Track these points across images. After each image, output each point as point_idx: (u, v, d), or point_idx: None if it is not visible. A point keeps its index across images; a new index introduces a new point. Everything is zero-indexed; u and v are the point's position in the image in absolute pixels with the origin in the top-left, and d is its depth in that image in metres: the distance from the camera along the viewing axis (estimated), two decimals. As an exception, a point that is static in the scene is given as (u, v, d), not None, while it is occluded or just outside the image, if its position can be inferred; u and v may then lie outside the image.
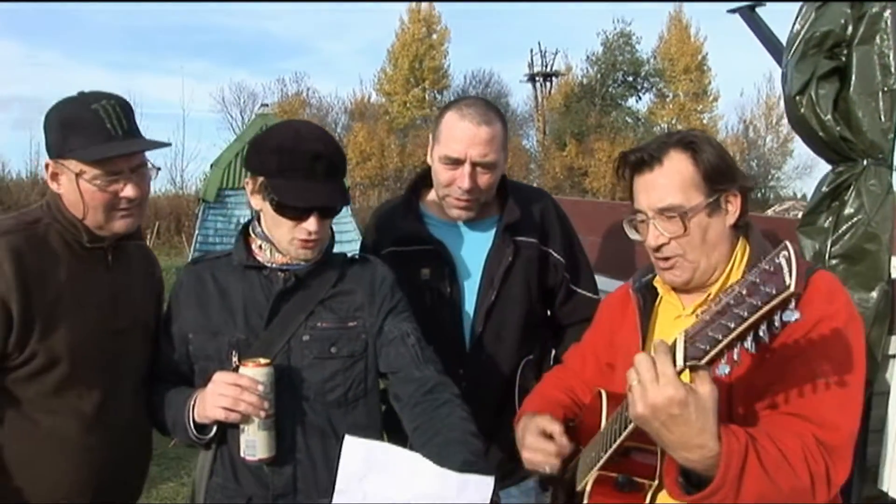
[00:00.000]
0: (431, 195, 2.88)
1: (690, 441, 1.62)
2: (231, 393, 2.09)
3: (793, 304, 1.39)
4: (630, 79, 43.31)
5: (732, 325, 1.46)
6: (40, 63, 66.30)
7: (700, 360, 1.54)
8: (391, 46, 43.33)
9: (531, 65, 45.83)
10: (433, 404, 2.19)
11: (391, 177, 37.59)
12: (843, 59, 2.59)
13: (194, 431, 2.19)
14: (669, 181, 1.97)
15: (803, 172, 41.47)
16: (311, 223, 2.19)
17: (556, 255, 2.86)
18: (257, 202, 2.27)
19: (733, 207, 1.99)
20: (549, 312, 2.99)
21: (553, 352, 3.02)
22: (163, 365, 2.36)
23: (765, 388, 1.82)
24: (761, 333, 1.43)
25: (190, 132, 45.11)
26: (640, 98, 44.61)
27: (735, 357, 1.50)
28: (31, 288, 2.08)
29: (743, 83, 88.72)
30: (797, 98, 2.58)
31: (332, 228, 2.35)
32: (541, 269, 2.84)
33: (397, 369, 2.29)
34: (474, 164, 2.61)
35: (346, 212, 18.13)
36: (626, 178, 2.09)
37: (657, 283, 2.14)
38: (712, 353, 1.51)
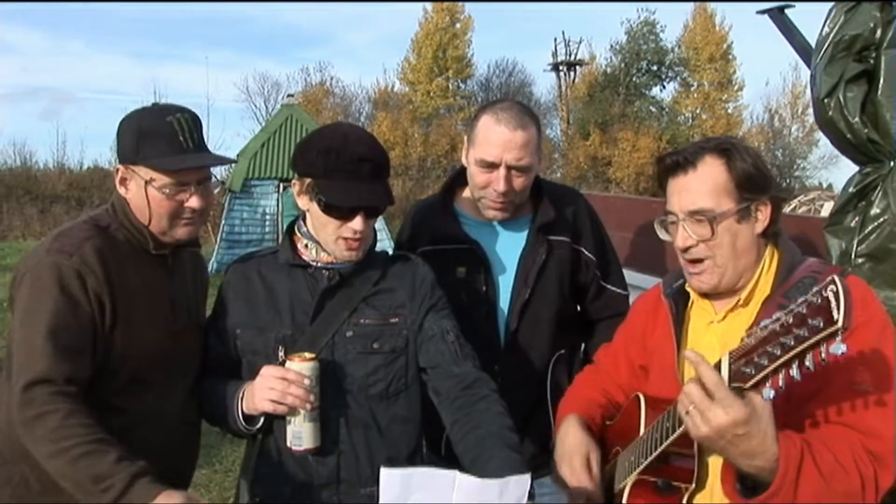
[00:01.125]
0: (466, 194, 2.95)
1: (754, 450, 1.70)
2: (279, 386, 2.18)
3: (839, 338, 1.46)
4: (654, 68, 43.11)
5: (779, 353, 1.53)
6: (66, 53, 66.99)
7: (745, 384, 1.62)
8: (415, 36, 43.36)
9: (555, 54, 45.66)
10: (471, 399, 2.27)
11: (415, 166, 37.64)
12: (871, 62, 2.64)
13: (243, 423, 2.29)
14: (702, 185, 2.02)
15: (829, 162, 41.06)
16: (356, 223, 2.28)
17: (587, 253, 2.93)
18: (304, 203, 2.36)
19: (763, 216, 2.04)
20: (578, 308, 3.07)
21: (583, 347, 3.10)
22: (212, 359, 2.46)
23: (806, 398, 1.87)
24: (807, 363, 1.51)
25: (214, 122, 45.52)
26: (664, 87, 44.40)
27: (780, 383, 1.57)
28: (114, 289, 2.20)
29: (769, 72, 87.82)
30: (825, 101, 2.65)
31: (374, 228, 2.43)
32: (573, 266, 2.92)
33: (437, 365, 2.38)
34: (509, 168, 2.68)
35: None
36: (661, 179, 2.16)
37: (688, 287, 2.21)
38: (758, 377, 1.59)
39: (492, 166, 2.69)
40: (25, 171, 29.76)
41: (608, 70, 43.66)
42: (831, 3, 2.82)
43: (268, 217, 18.24)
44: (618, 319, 2.91)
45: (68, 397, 2.02)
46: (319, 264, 2.39)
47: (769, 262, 2.09)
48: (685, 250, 2.07)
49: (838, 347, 1.47)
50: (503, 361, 2.76)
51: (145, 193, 2.25)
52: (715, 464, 2.01)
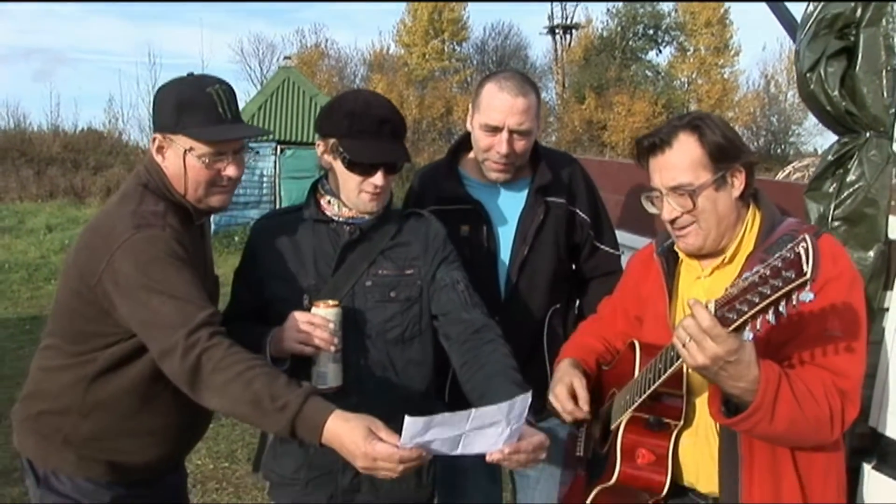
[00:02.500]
0: (470, 158, 3.17)
1: (741, 374, 1.93)
2: (306, 329, 2.41)
3: (808, 287, 1.69)
4: (650, 32, 43.08)
5: (757, 301, 1.76)
6: (59, 15, 66.22)
7: (728, 328, 1.85)
8: (411, -3, 43.05)
9: (551, 17, 45.65)
10: (479, 342, 2.49)
11: (410, 128, 37.18)
12: (851, 39, 2.81)
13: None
14: (679, 162, 2.25)
15: (824, 129, 40.82)
16: (377, 178, 2.50)
17: (582, 214, 3.16)
18: (328, 161, 2.59)
19: (738, 182, 2.27)
20: (573, 267, 3.29)
21: (577, 302, 3.34)
22: (240, 307, 2.67)
23: (782, 343, 2.12)
24: (781, 309, 1.74)
25: None
26: (660, 52, 44.40)
27: (758, 326, 1.81)
28: (189, 257, 2.34)
29: (765, 38, 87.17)
30: (808, 75, 2.82)
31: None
32: (568, 226, 3.14)
33: (447, 312, 2.59)
34: (511, 132, 2.91)
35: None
36: (642, 159, 2.38)
37: (677, 247, 2.43)
38: (738, 321, 1.82)
39: (495, 130, 2.91)
40: (20, 134, 29.52)
41: (604, 34, 43.63)
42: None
43: (265, 179, 18.32)
44: (610, 277, 3.16)
45: (225, 335, 2.17)
46: (341, 219, 2.60)
47: (752, 222, 2.32)
48: (672, 221, 2.30)
49: (807, 296, 1.70)
50: (503, 313, 2.94)
51: (183, 162, 2.37)
52: (700, 403, 2.26)
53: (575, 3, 45.12)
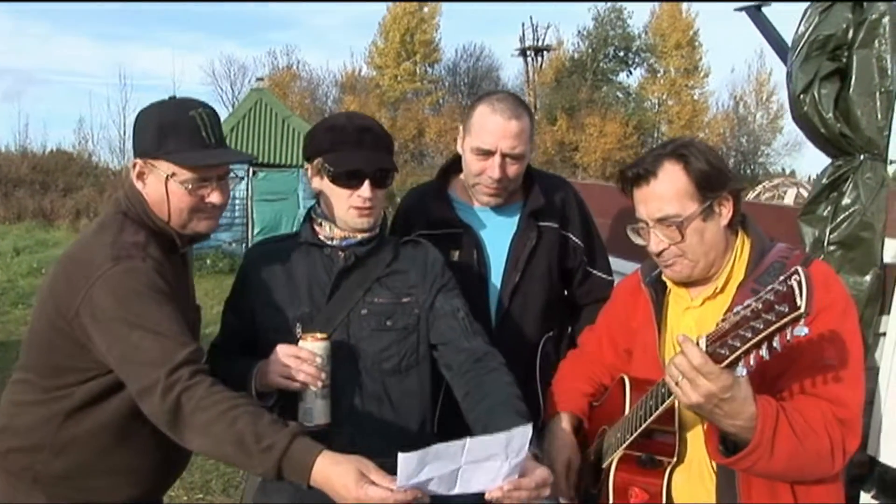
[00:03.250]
0: (458, 181, 3.07)
1: (737, 412, 1.86)
2: (291, 364, 2.29)
3: (802, 322, 1.63)
4: (621, 54, 43.45)
5: (750, 336, 1.70)
6: (30, 35, 65.79)
7: (721, 364, 1.78)
8: (382, 19, 43.27)
9: (522, 39, 45.78)
10: (481, 372, 2.38)
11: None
12: (844, 60, 2.79)
13: (256, 400, 2.35)
14: (664, 193, 2.15)
15: (793, 149, 41.65)
16: (364, 189, 2.40)
17: (575, 239, 3.06)
18: (318, 183, 2.49)
19: (726, 210, 2.18)
20: (565, 292, 3.19)
21: (570, 329, 3.23)
22: (230, 337, 2.57)
23: (777, 375, 2.04)
24: (775, 344, 1.68)
25: None
26: (630, 73, 44.75)
27: (752, 362, 1.74)
28: (172, 288, 2.25)
29: (734, 60, 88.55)
30: (801, 97, 2.79)
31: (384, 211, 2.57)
32: (561, 252, 3.03)
33: (448, 341, 2.49)
34: (504, 156, 2.80)
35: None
36: (628, 190, 2.29)
37: (665, 277, 2.35)
38: (731, 357, 1.75)
39: (487, 154, 2.81)
40: (-13, 155, 29.30)
41: (575, 55, 43.93)
42: (805, 3, 2.96)
43: (237, 201, 18.12)
44: (602, 304, 3.06)
45: (207, 373, 2.07)
46: (335, 241, 2.49)
47: (741, 249, 2.24)
48: (659, 254, 2.22)
49: (801, 330, 1.64)
50: (495, 340, 2.76)
51: (165, 188, 2.27)
52: (693, 439, 2.18)
53: (546, 26, 45.21)
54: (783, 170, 41.94)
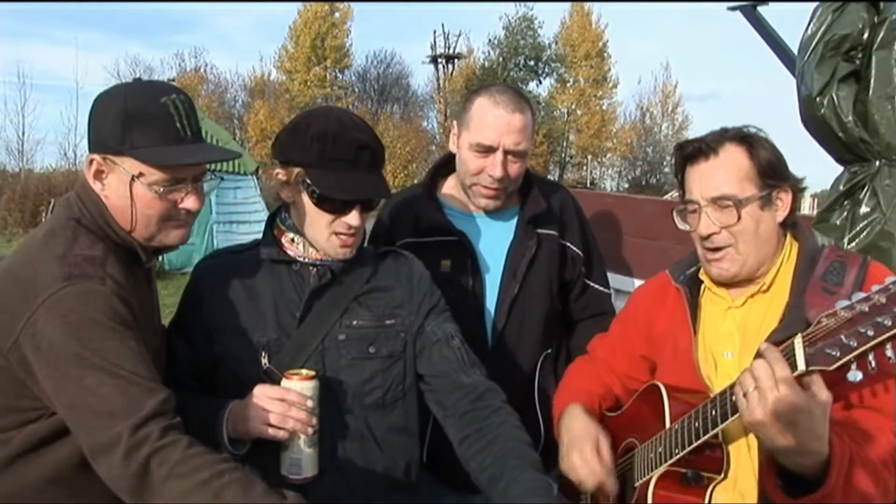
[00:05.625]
0: (449, 184, 2.83)
1: (806, 447, 1.66)
2: (278, 409, 1.94)
3: None
4: (531, 63, 43.90)
5: (872, 334, 1.51)
6: (-85, 28, 62.75)
7: (830, 367, 1.58)
8: (293, 23, 42.75)
9: (434, 46, 46.06)
10: (484, 412, 2.10)
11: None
12: (858, 62, 2.67)
13: (229, 448, 2.00)
14: (725, 172, 2.01)
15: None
16: (352, 217, 2.07)
17: (573, 248, 2.84)
18: (290, 194, 2.13)
19: (784, 204, 2.05)
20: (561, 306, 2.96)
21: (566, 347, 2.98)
22: (181, 369, 2.17)
23: (832, 383, 1.86)
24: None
25: (84, 107, 42.82)
26: (540, 82, 45.28)
27: (873, 364, 1.54)
28: (135, 311, 1.88)
29: (641, 71, 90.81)
30: (818, 99, 2.65)
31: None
32: (560, 261, 2.81)
33: (441, 374, 2.19)
34: (506, 153, 2.57)
35: (254, 191, 17.79)
36: (679, 168, 2.13)
37: (703, 275, 2.18)
38: (845, 359, 1.55)
39: (488, 150, 2.57)
40: None
41: (486, 64, 44.19)
42: (805, 3, 2.85)
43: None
44: (600, 319, 2.86)
45: (180, 430, 1.72)
46: (307, 260, 2.16)
47: (789, 253, 2.09)
48: (707, 237, 2.04)
49: None
50: (490, 362, 2.49)
51: (130, 191, 1.89)
52: (738, 455, 2.00)
53: (458, 34, 45.48)
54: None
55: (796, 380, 1.65)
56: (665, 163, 45.13)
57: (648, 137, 45.23)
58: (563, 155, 42.96)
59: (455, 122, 2.75)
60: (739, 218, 1.99)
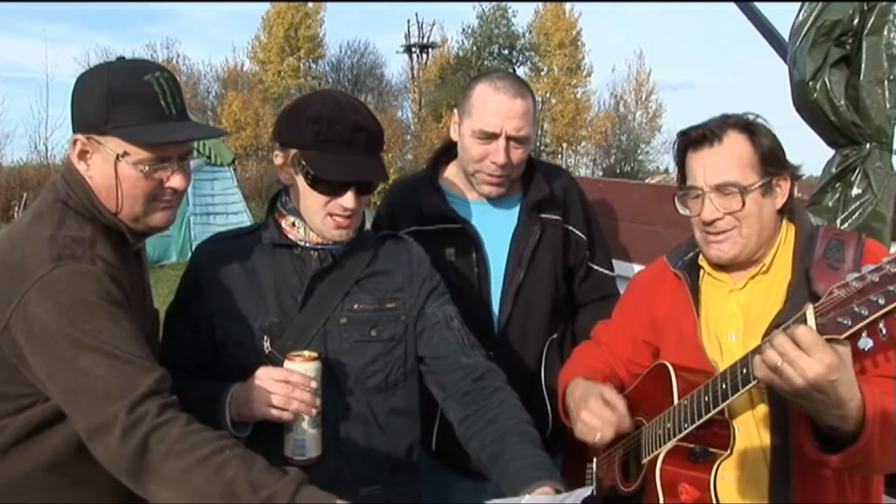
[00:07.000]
0: (451, 171, 2.84)
1: (846, 397, 1.69)
2: (282, 391, 1.96)
3: None
4: (505, 52, 43.70)
5: (882, 302, 1.56)
6: None
7: (841, 335, 1.63)
8: (266, 14, 42.36)
9: (407, 36, 45.74)
10: (484, 393, 2.13)
11: (266, 146, 36.84)
12: (848, 47, 2.74)
13: (231, 431, 2.00)
14: (728, 159, 2.06)
15: (671, 147, 42.69)
16: (347, 199, 2.08)
17: (577, 232, 2.85)
18: (288, 176, 2.15)
19: (783, 191, 2.10)
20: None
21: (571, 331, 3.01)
22: (180, 354, 2.18)
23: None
24: None
25: (55, 99, 42.08)
26: (514, 71, 44.93)
27: (884, 331, 1.59)
28: (126, 292, 1.87)
29: (615, 60, 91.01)
30: (811, 83, 2.72)
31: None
32: (564, 246, 2.83)
33: (442, 355, 2.21)
34: (509, 139, 2.58)
35: (231, 182, 17.69)
36: (681, 153, 2.17)
37: (702, 260, 2.23)
38: (856, 326, 1.60)
39: (491, 137, 2.58)
40: None
41: (460, 53, 43.98)
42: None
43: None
44: (605, 302, 2.88)
45: (177, 407, 1.70)
46: (308, 244, 2.18)
47: (786, 237, 2.15)
48: (711, 223, 2.09)
49: None
50: (496, 348, 2.59)
51: (115, 171, 1.87)
52: (745, 432, 2.04)
53: (431, 23, 45.34)
54: (657, 167, 43.32)
55: None
56: (639, 150, 45.38)
57: (622, 126, 45.34)
58: (537, 143, 43.04)
59: (455, 110, 2.76)
60: (744, 204, 2.03)
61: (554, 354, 2.85)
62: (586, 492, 1.67)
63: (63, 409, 1.75)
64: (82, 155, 1.89)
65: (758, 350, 1.78)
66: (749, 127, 2.08)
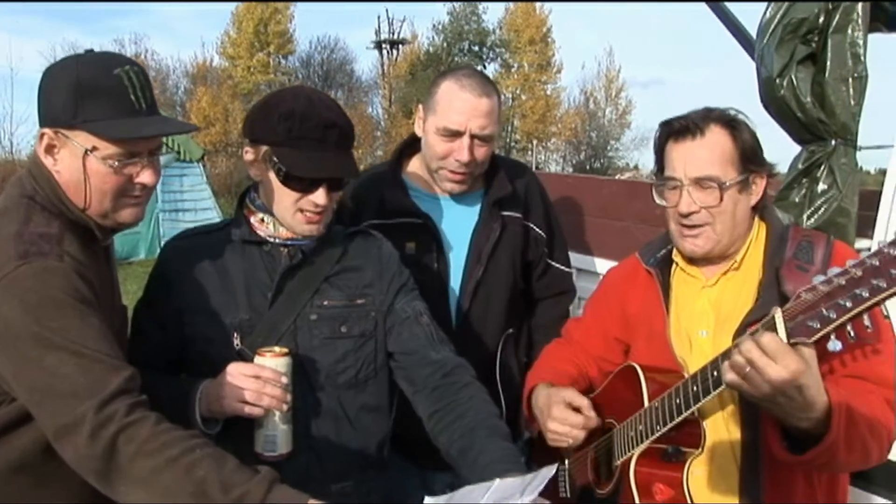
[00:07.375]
0: (414, 166, 2.85)
1: (812, 400, 1.72)
2: (252, 386, 1.96)
3: None
4: (476, 48, 43.72)
5: (850, 305, 1.58)
6: None
7: (809, 338, 1.65)
8: (235, 9, 42.00)
9: (378, 31, 45.63)
10: (453, 388, 2.14)
11: (235, 142, 36.56)
12: (813, 45, 2.78)
13: (201, 427, 2.02)
14: (710, 153, 2.07)
15: (640, 144, 43.36)
16: (319, 195, 2.09)
17: (537, 229, 2.90)
18: (258, 172, 2.16)
19: (758, 188, 2.13)
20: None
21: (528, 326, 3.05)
22: (148, 351, 2.16)
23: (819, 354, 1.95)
24: (884, 311, 1.58)
25: (20, 94, 41.41)
26: (485, 67, 44.94)
27: (852, 334, 1.62)
28: (95, 289, 1.84)
29: (584, 57, 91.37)
30: (777, 80, 2.76)
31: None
32: (524, 243, 2.87)
33: (412, 351, 2.23)
34: (473, 137, 2.60)
35: (200, 179, 17.57)
36: (661, 144, 2.18)
37: (675, 256, 2.25)
38: (825, 330, 1.63)
39: (455, 135, 2.61)
40: None
41: (430, 49, 43.95)
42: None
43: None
44: (562, 297, 2.96)
45: (147, 407, 1.68)
46: (278, 241, 2.18)
47: (757, 234, 2.17)
48: (686, 216, 2.10)
49: None
50: (455, 341, 2.51)
51: (83, 166, 1.84)
52: (714, 430, 2.08)
53: (402, 19, 45.26)
54: (627, 164, 43.69)
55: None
56: (609, 147, 45.58)
57: (592, 122, 45.54)
58: (507, 140, 43.11)
59: (420, 106, 2.77)
60: (722, 200, 2.05)
61: (510, 348, 2.90)
62: (552, 469, 1.67)
63: (29, 409, 1.72)
64: (49, 149, 1.87)
65: (727, 354, 1.80)
66: (732, 122, 2.09)
